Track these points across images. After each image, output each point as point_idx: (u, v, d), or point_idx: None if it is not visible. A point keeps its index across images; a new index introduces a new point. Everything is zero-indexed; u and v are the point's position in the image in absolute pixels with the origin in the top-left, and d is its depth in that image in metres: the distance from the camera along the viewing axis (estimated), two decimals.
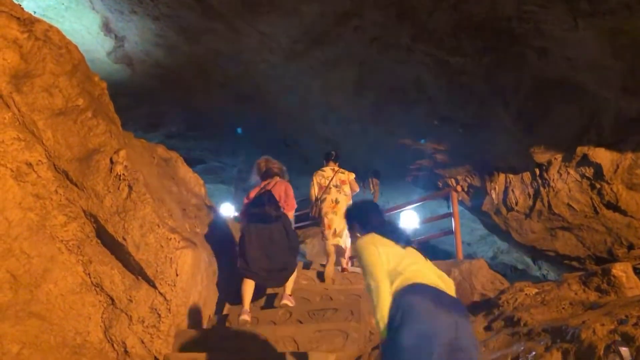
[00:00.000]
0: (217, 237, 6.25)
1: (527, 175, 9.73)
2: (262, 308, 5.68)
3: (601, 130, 7.85)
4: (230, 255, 6.34)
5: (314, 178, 7.09)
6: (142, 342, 4.36)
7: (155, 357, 4.37)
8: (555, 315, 3.65)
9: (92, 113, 4.77)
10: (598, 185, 8.66)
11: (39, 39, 4.69)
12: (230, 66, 9.81)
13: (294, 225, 5.70)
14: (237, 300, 5.17)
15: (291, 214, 5.49)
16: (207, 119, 12.32)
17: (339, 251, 6.76)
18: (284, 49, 8.82)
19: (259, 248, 5.06)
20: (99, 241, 4.56)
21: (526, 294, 4.15)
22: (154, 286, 4.49)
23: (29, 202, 4.27)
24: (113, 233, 4.46)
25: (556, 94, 7.63)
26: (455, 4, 6.65)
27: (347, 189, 7.02)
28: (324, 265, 6.85)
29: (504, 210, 10.36)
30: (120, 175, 4.60)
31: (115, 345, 4.32)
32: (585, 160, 8.45)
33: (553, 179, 9.12)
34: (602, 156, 8.20)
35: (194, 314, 4.83)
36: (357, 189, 7.19)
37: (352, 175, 7.14)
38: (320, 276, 6.57)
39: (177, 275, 4.55)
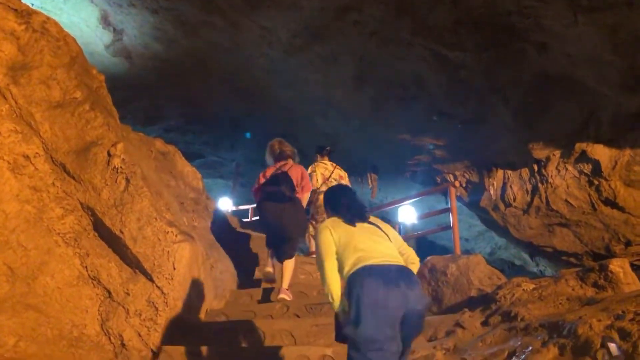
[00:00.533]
0: (215, 231, 6.26)
1: (525, 172, 9.74)
2: (259, 302, 5.69)
3: (600, 126, 7.85)
4: (227, 248, 6.35)
5: (317, 169, 7.23)
6: (139, 335, 4.36)
7: (152, 350, 4.36)
8: (552, 310, 3.65)
9: (90, 106, 4.75)
10: (596, 182, 8.67)
11: (36, 31, 4.66)
12: (230, 60, 9.79)
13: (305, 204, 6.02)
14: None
15: (307, 195, 5.88)
16: (205, 113, 12.30)
17: None
18: (284, 43, 8.80)
19: (272, 221, 5.54)
20: (96, 234, 4.54)
21: (523, 290, 4.15)
22: (151, 279, 4.49)
23: (26, 194, 4.25)
24: (110, 226, 4.45)
25: (555, 90, 7.62)
26: None
27: (346, 183, 7.23)
28: None
29: (502, 206, 10.37)
30: (117, 168, 4.58)
31: (112, 338, 4.31)
32: (583, 157, 8.46)
33: (551, 175, 9.13)
34: (601, 152, 8.21)
35: (191, 308, 4.83)
36: None
37: (346, 174, 7.51)
38: None
39: (174, 268, 4.55)
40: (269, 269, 5.71)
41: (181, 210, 5.47)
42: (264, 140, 12.88)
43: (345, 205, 3.10)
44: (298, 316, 5.03)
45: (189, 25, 8.79)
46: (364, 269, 2.71)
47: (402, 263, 2.85)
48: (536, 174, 9.45)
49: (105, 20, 8.95)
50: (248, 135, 12.85)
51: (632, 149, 7.94)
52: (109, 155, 4.59)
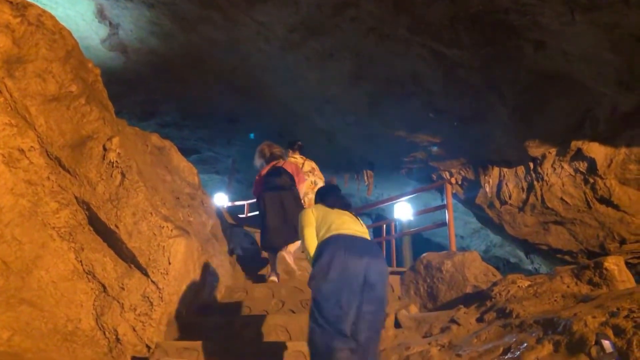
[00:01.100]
0: (210, 226, 6.24)
1: (521, 169, 9.75)
2: (255, 298, 5.69)
3: (596, 124, 7.86)
4: (223, 244, 6.33)
5: None
6: (134, 329, 4.36)
7: (147, 345, 4.36)
8: (547, 307, 3.65)
9: (86, 99, 4.73)
10: (591, 180, 8.68)
11: (32, 24, 4.63)
12: (226, 55, 9.76)
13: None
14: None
15: (302, 187, 6.36)
16: (201, 108, 12.26)
17: None
18: (280, 39, 8.77)
19: (274, 215, 5.93)
20: (91, 228, 4.53)
21: (519, 286, 4.15)
22: (146, 274, 4.48)
23: (21, 188, 4.23)
24: (105, 220, 4.44)
25: (552, 87, 7.62)
26: None
27: (318, 173, 7.45)
28: None
29: (497, 203, 10.38)
30: (113, 162, 4.57)
31: (106, 332, 4.31)
32: (579, 155, 8.47)
33: (547, 173, 9.15)
34: (596, 151, 8.23)
35: (187, 303, 4.83)
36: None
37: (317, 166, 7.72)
38: None
39: (169, 263, 4.54)
40: (274, 278, 6.00)
41: (177, 206, 5.46)
42: (260, 136, 12.90)
43: (331, 196, 3.77)
44: (293, 312, 5.04)
45: (186, 20, 8.76)
46: (333, 236, 3.30)
47: (369, 238, 3.44)
48: (532, 172, 9.46)
49: (101, 14, 8.90)
50: (252, 135, 12.80)
51: (627, 147, 7.96)
52: (105, 149, 4.57)
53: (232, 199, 14.74)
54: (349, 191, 15.23)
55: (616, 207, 8.84)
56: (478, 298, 4.47)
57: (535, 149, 8.93)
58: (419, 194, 11.06)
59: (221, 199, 14.36)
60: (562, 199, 9.30)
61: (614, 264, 3.79)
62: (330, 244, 3.23)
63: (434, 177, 11.64)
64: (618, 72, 6.78)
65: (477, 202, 10.82)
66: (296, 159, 7.29)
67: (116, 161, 4.57)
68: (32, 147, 4.30)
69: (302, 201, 6.94)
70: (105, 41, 9.63)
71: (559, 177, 9.03)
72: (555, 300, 3.72)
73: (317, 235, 3.42)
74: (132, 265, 4.51)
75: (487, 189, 10.43)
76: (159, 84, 11.10)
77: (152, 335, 4.37)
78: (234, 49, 9.44)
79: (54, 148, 4.40)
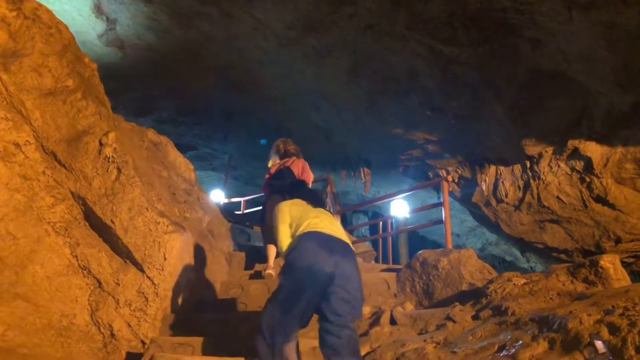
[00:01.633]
0: (207, 222, 6.23)
1: (517, 168, 9.77)
2: (251, 294, 5.68)
3: (593, 123, 7.87)
4: (219, 240, 6.32)
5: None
6: (129, 325, 4.35)
7: (142, 340, 4.36)
8: (542, 305, 3.65)
9: (82, 94, 4.71)
10: (588, 179, 8.70)
11: (28, 18, 4.61)
12: (223, 52, 9.74)
13: None
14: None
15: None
16: (198, 104, 12.24)
17: None
18: (278, 36, 8.76)
19: None
20: (86, 223, 4.52)
21: (514, 284, 4.15)
22: (141, 270, 4.47)
23: (16, 182, 4.21)
24: (101, 215, 4.43)
25: (549, 86, 7.63)
26: None
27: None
28: None
29: (493, 201, 10.40)
30: (109, 157, 4.56)
31: (101, 328, 4.30)
32: (575, 154, 8.49)
33: (543, 172, 9.16)
34: (593, 150, 8.24)
35: (182, 298, 4.82)
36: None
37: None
38: None
39: (165, 259, 4.54)
40: (270, 272, 5.93)
41: (173, 201, 5.45)
42: (256, 133, 12.86)
43: (305, 192, 3.91)
44: None
45: (183, 15, 8.73)
46: (309, 232, 3.37)
47: (344, 239, 3.47)
48: (528, 170, 9.48)
49: (98, 9, 8.86)
50: (263, 141, 12.58)
51: (624, 146, 7.97)
52: (101, 144, 4.56)
53: (229, 196, 14.72)
54: (345, 188, 15.25)
55: (612, 206, 8.86)
56: (474, 295, 4.47)
57: (531, 148, 8.94)
58: (416, 192, 11.08)
59: (217, 196, 14.35)
60: (558, 197, 9.32)
61: (610, 263, 3.79)
62: (303, 241, 3.32)
63: (431, 175, 11.66)
64: (615, 71, 6.79)
65: (473, 200, 10.84)
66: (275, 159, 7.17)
67: (112, 156, 4.56)
68: (27, 141, 4.29)
69: None
70: (102, 36, 9.58)
71: (555, 175, 9.05)
72: (550, 298, 3.72)
73: (291, 230, 3.49)
74: (128, 261, 4.51)
75: (484, 187, 10.44)
76: (155, 79, 11.07)
77: (147, 331, 4.37)
78: (231, 45, 9.42)
79: (50, 142, 4.38)
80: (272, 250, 5.95)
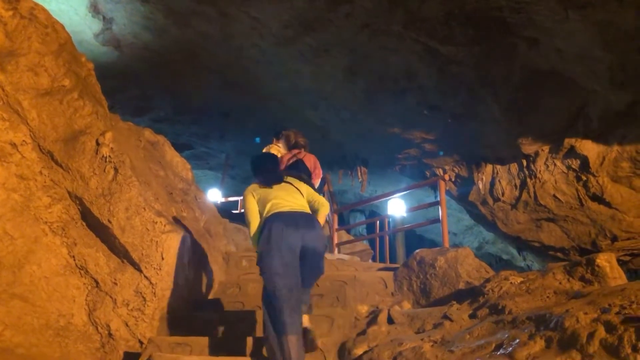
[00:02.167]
0: (204, 221, 6.22)
1: (514, 166, 9.79)
2: (249, 293, 5.68)
3: (589, 122, 7.90)
4: (216, 239, 6.31)
5: (271, 150, 7.03)
6: (127, 325, 4.35)
7: (139, 340, 4.35)
8: (539, 303, 3.66)
9: (79, 94, 4.70)
10: (584, 177, 8.73)
11: (24, 17, 4.60)
12: (220, 51, 9.73)
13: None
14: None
15: (318, 181, 6.24)
16: (195, 103, 12.23)
17: None
18: (275, 35, 8.75)
19: None
20: (84, 223, 4.51)
21: (511, 283, 4.16)
22: (139, 269, 4.47)
23: (13, 182, 4.21)
24: (98, 215, 4.42)
25: (545, 85, 7.65)
26: None
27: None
28: None
29: (490, 200, 10.42)
30: (106, 157, 4.55)
31: (99, 327, 4.29)
32: (572, 152, 8.51)
33: (540, 170, 9.19)
34: (589, 148, 8.27)
35: (180, 298, 4.81)
36: None
37: None
38: None
39: (162, 259, 4.53)
40: None
41: (170, 201, 5.44)
42: (253, 132, 12.85)
43: (264, 171, 4.03)
44: None
45: (180, 14, 8.72)
46: (273, 214, 3.66)
47: (306, 211, 3.82)
48: (525, 169, 9.50)
49: (94, 8, 8.85)
50: (257, 140, 12.70)
51: (620, 145, 8.00)
52: (98, 144, 4.55)
53: (226, 195, 14.71)
54: (342, 187, 15.25)
55: (608, 205, 8.89)
56: (471, 294, 4.48)
57: (528, 146, 8.97)
58: (413, 191, 11.09)
59: (215, 195, 14.33)
60: (554, 196, 9.35)
61: (606, 261, 3.80)
62: (268, 223, 3.62)
63: (428, 174, 11.68)
64: (611, 70, 6.81)
65: (470, 199, 10.86)
66: (279, 148, 6.96)
67: (109, 156, 4.55)
68: (24, 141, 4.28)
69: None
70: (98, 36, 9.57)
71: (551, 174, 9.07)
72: (547, 297, 3.73)
73: (260, 215, 3.78)
74: (125, 261, 4.50)
75: (480, 186, 10.46)
76: (152, 79, 11.05)
77: (144, 331, 4.36)
78: (228, 44, 9.41)
79: (47, 142, 4.37)
80: None
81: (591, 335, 2.73)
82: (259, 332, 4.41)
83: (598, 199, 8.89)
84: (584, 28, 6.32)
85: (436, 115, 9.49)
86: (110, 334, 4.29)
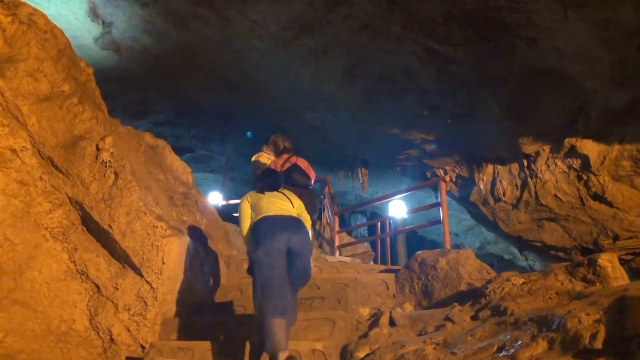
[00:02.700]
0: (205, 225, 6.22)
1: (515, 166, 9.78)
2: (250, 297, 5.66)
3: (589, 121, 7.89)
4: (217, 243, 6.31)
5: (260, 158, 6.65)
6: (128, 330, 4.35)
7: (141, 345, 4.35)
8: (541, 304, 3.66)
9: (78, 99, 4.71)
10: (585, 177, 8.72)
11: (23, 23, 4.61)
12: (219, 53, 9.73)
13: None
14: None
15: (311, 183, 6.29)
16: (195, 106, 12.22)
17: None
18: (274, 37, 8.75)
19: None
20: (84, 229, 4.52)
21: (513, 284, 4.15)
22: (140, 274, 4.47)
23: (13, 188, 4.21)
24: (99, 220, 4.42)
25: (545, 84, 7.64)
26: None
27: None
28: None
29: (491, 200, 10.41)
30: (106, 162, 4.55)
31: (100, 333, 4.30)
32: (572, 152, 8.50)
33: (540, 170, 9.18)
34: (590, 147, 8.26)
35: (181, 302, 4.81)
36: None
37: None
38: None
39: (163, 263, 4.53)
40: None
41: (170, 205, 5.44)
42: (254, 134, 12.83)
43: (263, 181, 4.42)
44: None
45: (179, 18, 8.72)
46: (263, 217, 4.03)
47: (294, 215, 4.16)
48: (525, 169, 9.49)
49: (94, 13, 8.84)
50: (249, 134, 12.82)
51: (620, 144, 7.99)
52: (98, 149, 4.55)
53: (227, 198, 14.69)
54: (343, 189, 15.24)
55: (609, 204, 8.88)
56: (472, 296, 4.48)
57: (528, 146, 8.96)
58: (414, 192, 11.07)
59: (215, 198, 14.32)
60: (555, 195, 9.34)
61: (608, 261, 3.79)
62: (258, 226, 3.99)
63: (428, 174, 11.67)
64: (611, 69, 6.80)
65: (471, 199, 10.85)
66: (269, 155, 6.42)
67: (109, 161, 4.55)
68: (24, 147, 4.28)
69: None
70: (98, 40, 9.57)
71: (552, 174, 9.06)
72: (549, 298, 3.72)
73: (252, 218, 4.15)
74: (126, 265, 4.50)
75: (481, 186, 10.45)
76: (152, 82, 11.05)
77: (146, 336, 4.36)
78: (227, 46, 9.40)
79: (47, 148, 4.38)
80: None
81: (594, 337, 2.72)
82: None
83: (599, 198, 8.88)
84: (583, 27, 6.31)
85: (436, 115, 9.48)
86: (112, 339, 4.29)
